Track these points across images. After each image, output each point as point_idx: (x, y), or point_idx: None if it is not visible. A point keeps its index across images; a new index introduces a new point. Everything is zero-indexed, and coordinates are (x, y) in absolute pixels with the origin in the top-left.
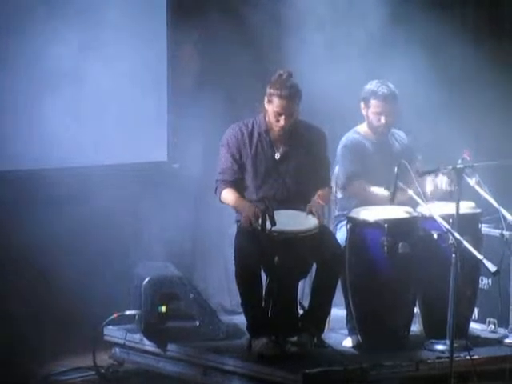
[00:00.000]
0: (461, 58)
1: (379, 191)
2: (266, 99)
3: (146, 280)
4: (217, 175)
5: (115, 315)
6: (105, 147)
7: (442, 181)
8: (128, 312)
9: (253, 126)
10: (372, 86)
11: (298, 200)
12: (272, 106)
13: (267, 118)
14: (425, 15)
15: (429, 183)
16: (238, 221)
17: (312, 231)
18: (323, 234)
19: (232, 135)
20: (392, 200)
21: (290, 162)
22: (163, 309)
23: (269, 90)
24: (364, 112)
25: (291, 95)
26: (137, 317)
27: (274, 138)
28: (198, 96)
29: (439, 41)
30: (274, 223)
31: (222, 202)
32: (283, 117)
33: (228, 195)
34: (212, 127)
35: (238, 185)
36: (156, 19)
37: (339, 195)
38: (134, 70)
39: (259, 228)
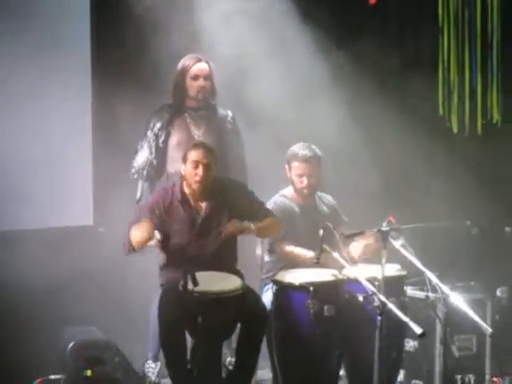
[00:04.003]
0: (382, 119)
1: (307, 253)
2: (182, 166)
3: (71, 344)
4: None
5: (39, 380)
6: (28, 211)
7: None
8: (53, 376)
9: (172, 193)
10: (295, 148)
11: (220, 262)
12: (188, 161)
13: (185, 183)
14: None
15: (359, 246)
16: (162, 284)
17: (235, 292)
18: (247, 295)
19: (151, 202)
20: (317, 262)
21: (211, 224)
22: (88, 373)
23: (184, 154)
24: (288, 175)
25: (205, 146)
26: (62, 381)
27: (194, 202)
28: (125, 157)
29: (360, 100)
30: (196, 284)
31: (133, 245)
32: (201, 167)
33: (135, 231)
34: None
35: None
36: (80, 73)
37: (266, 258)
38: (58, 130)
39: (182, 289)
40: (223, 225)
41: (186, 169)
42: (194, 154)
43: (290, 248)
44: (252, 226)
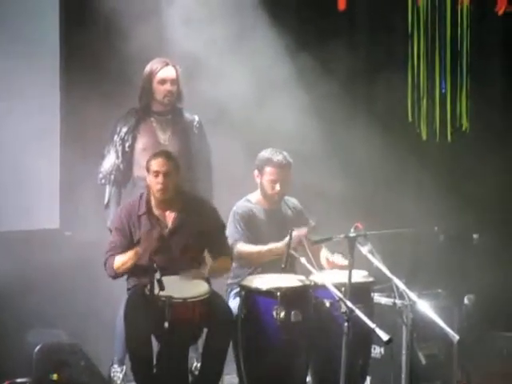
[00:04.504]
0: (350, 124)
1: (261, 248)
2: (146, 177)
3: (38, 347)
4: (105, 255)
5: (6, 383)
6: None
7: (338, 259)
8: (19, 380)
9: (139, 205)
10: (267, 153)
11: (187, 267)
12: (150, 172)
13: (151, 193)
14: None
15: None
16: (128, 289)
17: (202, 297)
18: (214, 300)
19: (120, 216)
20: (284, 268)
21: (178, 238)
22: (54, 377)
23: (146, 164)
24: (258, 180)
25: (166, 155)
26: None
27: (160, 213)
28: (92, 159)
29: (328, 104)
30: (162, 288)
31: (116, 272)
32: (161, 175)
33: (121, 257)
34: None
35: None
36: (49, 74)
37: (233, 264)
38: (25, 132)
39: (149, 293)
40: (189, 242)
41: (149, 179)
42: (153, 164)
43: (243, 247)
44: (206, 272)
